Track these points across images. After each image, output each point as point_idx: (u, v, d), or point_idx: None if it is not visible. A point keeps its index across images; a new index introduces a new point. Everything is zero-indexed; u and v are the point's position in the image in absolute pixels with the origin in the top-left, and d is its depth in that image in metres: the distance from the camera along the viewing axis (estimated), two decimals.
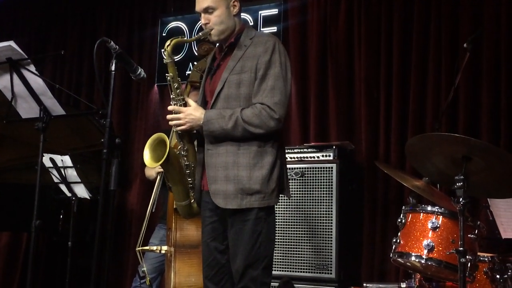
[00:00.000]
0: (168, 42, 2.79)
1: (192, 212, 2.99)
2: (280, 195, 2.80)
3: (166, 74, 2.82)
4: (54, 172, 4.35)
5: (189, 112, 2.74)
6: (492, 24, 4.28)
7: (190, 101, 2.78)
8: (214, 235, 2.79)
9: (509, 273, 3.01)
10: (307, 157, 4.30)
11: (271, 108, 2.65)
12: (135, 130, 5.86)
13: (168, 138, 3.30)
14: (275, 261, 4.12)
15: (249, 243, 2.66)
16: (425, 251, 2.95)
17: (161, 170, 3.62)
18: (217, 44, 2.95)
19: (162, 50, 2.83)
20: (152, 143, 2.95)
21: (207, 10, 2.78)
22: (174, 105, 2.81)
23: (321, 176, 4.16)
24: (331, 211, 4.08)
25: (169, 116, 2.81)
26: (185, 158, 2.87)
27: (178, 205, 3.01)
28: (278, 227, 4.19)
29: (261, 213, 2.68)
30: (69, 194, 4.48)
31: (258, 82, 2.70)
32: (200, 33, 2.85)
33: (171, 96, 2.84)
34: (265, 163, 2.68)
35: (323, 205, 4.10)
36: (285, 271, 4.15)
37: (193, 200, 2.92)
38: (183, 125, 2.75)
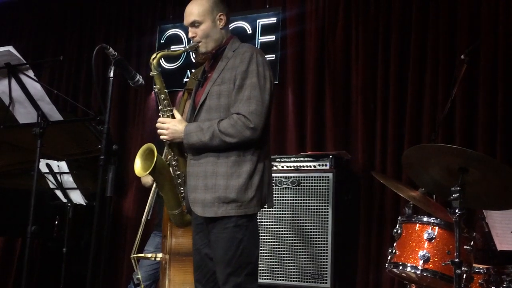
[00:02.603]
0: (154, 55, 2.85)
1: (185, 221, 3.03)
2: (265, 206, 2.81)
3: (154, 87, 2.89)
4: (50, 177, 4.34)
5: (172, 124, 2.82)
6: (490, 36, 4.29)
7: (176, 114, 2.86)
8: (206, 241, 2.81)
9: (504, 285, 3.00)
10: (303, 166, 4.30)
11: (247, 118, 2.67)
12: (132, 136, 5.85)
13: (163, 148, 3.34)
14: (270, 271, 4.14)
15: (229, 250, 2.67)
16: (421, 262, 2.96)
17: None
18: None
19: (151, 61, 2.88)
20: (143, 153, 3.05)
21: (194, 24, 2.85)
22: (161, 116, 2.88)
23: (317, 186, 4.16)
24: (327, 220, 4.07)
25: (156, 125, 2.88)
26: (176, 168, 2.91)
27: (170, 214, 3.06)
28: (274, 236, 4.19)
29: (242, 220, 2.69)
30: (64, 200, 4.48)
31: (235, 93, 2.74)
32: (187, 46, 2.95)
33: (160, 108, 2.89)
34: (242, 172, 2.69)
35: (319, 215, 4.10)
36: (280, 280, 4.14)
37: (186, 210, 2.94)
38: (165, 136, 2.83)
